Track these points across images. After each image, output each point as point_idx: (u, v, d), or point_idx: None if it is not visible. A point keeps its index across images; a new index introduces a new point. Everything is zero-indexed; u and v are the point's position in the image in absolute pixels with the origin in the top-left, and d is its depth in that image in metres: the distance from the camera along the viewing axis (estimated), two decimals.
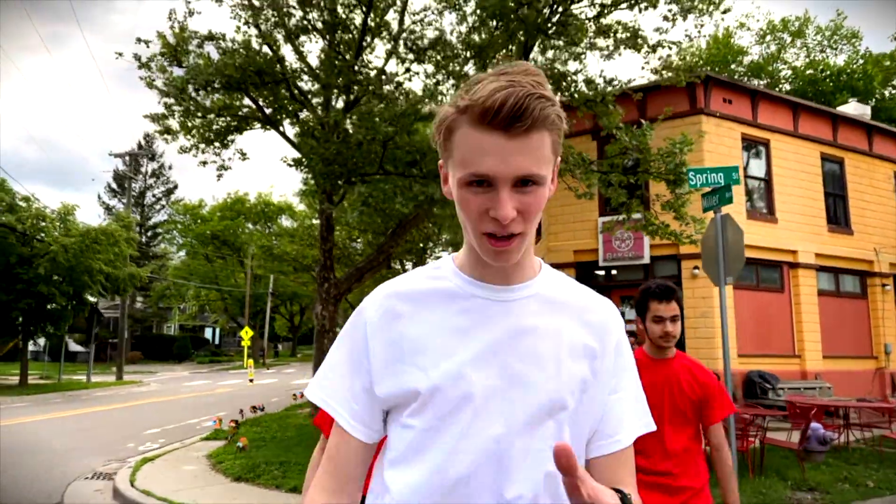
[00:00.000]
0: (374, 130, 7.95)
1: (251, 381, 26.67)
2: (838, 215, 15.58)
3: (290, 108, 11.48)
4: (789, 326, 14.08)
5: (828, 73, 31.50)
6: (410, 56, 10.15)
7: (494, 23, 8.52)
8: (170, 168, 48.96)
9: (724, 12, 10.30)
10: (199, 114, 10.12)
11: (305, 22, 9.20)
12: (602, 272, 14.44)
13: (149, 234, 48.48)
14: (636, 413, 1.13)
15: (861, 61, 30.83)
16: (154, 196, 48.36)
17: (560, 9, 8.19)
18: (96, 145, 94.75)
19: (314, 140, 10.06)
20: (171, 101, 10.32)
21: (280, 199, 50.86)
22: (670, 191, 8.80)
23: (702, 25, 10.93)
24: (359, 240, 20.12)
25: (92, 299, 25.25)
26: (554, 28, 8.31)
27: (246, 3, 9.42)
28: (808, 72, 33.17)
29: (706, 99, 13.67)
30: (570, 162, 8.55)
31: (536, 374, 1.02)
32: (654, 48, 9.66)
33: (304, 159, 9.88)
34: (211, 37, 9.89)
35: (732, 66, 34.46)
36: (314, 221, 34.89)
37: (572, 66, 15.00)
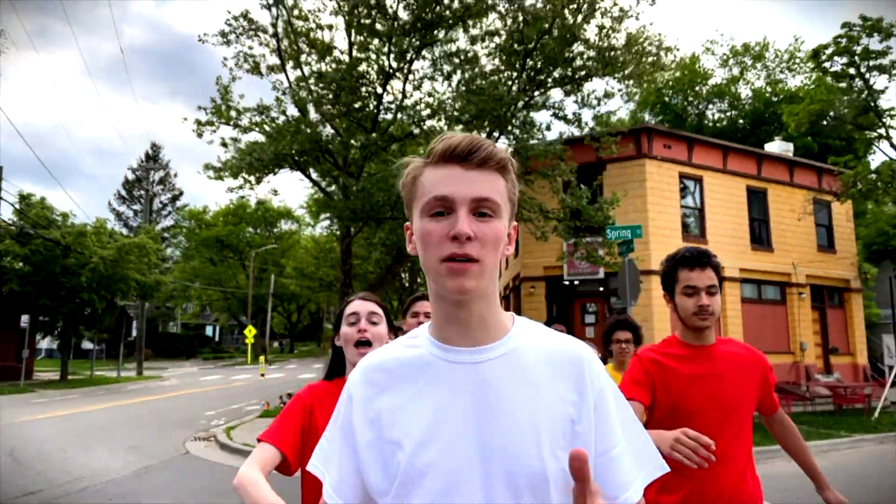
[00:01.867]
0: (388, 192, 11.15)
1: (262, 374, 29.69)
2: (761, 236, 18.91)
3: (314, 155, 14.66)
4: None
5: (782, 96, 34.98)
6: (413, 125, 13.34)
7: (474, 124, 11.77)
8: (175, 176, 51.82)
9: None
10: (247, 165, 13.25)
11: (338, 108, 12.35)
12: (567, 283, 17.66)
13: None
14: (640, 463, 1.06)
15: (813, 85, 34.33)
16: (161, 202, 51.18)
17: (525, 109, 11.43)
18: (85, 141, 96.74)
19: (337, 184, 13.31)
20: (229, 157, 13.46)
21: (279, 205, 53.98)
22: (602, 235, 12.07)
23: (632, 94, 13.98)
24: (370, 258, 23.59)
25: (120, 303, 28.28)
26: (515, 126, 11.53)
27: (291, 96, 12.66)
28: (766, 92, 36.70)
29: (649, 146, 16.92)
30: (532, 211, 11.80)
31: (513, 444, 0.96)
32: (592, 129, 12.93)
33: (331, 205, 13.05)
34: (261, 111, 13.06)
35: (697, 89, 37.94)
36: (317, 230, 38.04)
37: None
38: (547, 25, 10.79)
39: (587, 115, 13.01)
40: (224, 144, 13.58)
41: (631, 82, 12.93)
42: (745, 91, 38.18)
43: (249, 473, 1.62)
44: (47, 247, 23.74)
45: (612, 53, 11.81)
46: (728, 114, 38.42)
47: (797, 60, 37.18)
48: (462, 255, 0.98)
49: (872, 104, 16.58)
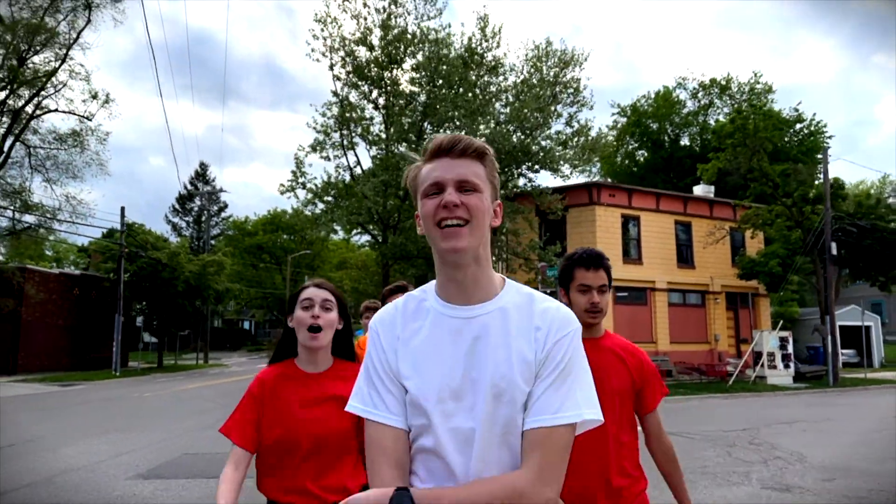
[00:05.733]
0: (417, 244, 18.18)
1: None
2: (686, 257, 25.71)
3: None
4: (649, 324, 24.23)
5: None
6: None
7: None
8: (221, 191, 59.24)
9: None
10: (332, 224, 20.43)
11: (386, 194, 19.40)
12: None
13: (206, 246, 58.82)
14: (575, 402, 1.26)
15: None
16: (208, 213, 58.60)
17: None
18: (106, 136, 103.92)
19: (378, 231, 20.48)
20: (313, 210, 20.67)
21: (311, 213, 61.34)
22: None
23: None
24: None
25: (200, 306, 35.63)
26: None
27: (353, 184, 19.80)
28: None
29: (598, 195, 23.78)
30: (520, 254, 18.91)
31: (496, 372, 1.25)
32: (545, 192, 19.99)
33: (375, 248, 20.19)
34: (332, 186, 20.17)
35: (672, 117, 44.58)
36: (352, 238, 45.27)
37: None
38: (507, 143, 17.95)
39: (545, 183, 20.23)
40: (305, 205, 20.80)
41: (572, 167, 19.91)
42: (712, 119, 44.69)
43: (225, 471, 2.07)
44: (150, 263, 31.06)
45: (554, 164, 18.87)
46: (700, 137, 44.97)
47: (756, 92, 43.61)
48: (452, 217, 1.25)
49: (758, 165, 23.29)
